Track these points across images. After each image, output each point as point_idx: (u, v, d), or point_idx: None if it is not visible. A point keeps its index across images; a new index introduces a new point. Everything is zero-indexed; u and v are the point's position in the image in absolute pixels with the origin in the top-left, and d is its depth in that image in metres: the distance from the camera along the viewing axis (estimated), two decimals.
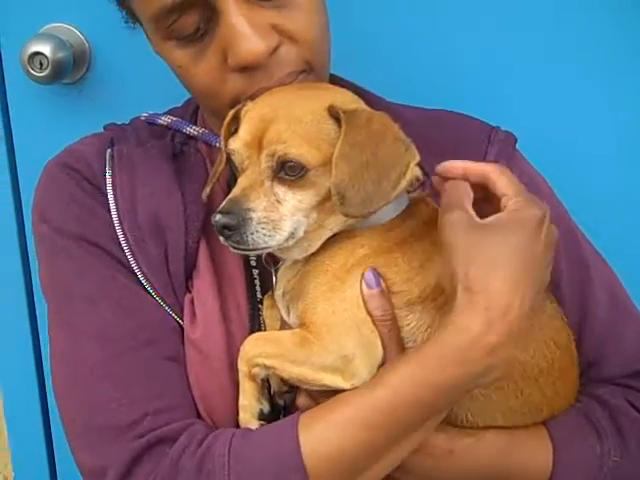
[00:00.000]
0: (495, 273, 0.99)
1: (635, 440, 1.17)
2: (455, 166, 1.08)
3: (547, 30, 1.51)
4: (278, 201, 1.04)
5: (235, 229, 1.01)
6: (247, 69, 1.11)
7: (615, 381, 1.23)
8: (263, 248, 1.04)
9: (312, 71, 1.16)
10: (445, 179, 1.08)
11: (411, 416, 1.02)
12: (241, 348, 1.09)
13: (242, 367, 1.09)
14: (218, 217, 1.02)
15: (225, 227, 1.01)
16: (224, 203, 1.03)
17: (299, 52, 1.13)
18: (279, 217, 1.03)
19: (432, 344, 1.01)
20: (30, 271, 1.73)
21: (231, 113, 1.12)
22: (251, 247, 1.03)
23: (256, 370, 1.07)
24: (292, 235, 1.05)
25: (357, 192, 1.01)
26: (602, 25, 1.50)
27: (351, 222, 1.08)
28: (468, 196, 1.05)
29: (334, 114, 1.04)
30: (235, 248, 1.04)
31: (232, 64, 1.10)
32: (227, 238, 1.03)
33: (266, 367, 1.07)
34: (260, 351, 1.07)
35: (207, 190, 1.16)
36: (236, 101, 1.13)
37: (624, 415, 1.19)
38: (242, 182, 1.05)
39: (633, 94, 1.51)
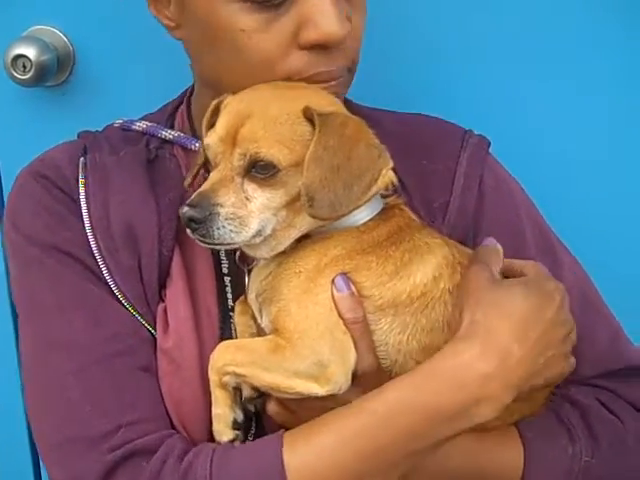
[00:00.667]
0: (502, 320, 1.02)
1: (606, 440, 1.17)
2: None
3: (529, 31, 1.51)
4: (247, 198, 1.04)
5: (201, 222, 1.02)
6: (317, 48, 1.10)
7: (586, 381, 1.24)
8: (229, 243, 1.05)
9: (350, 72, 1.17)
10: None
11: (396, 445, 1.01)
12: (211, 356, 1.08)
13: (213, 376, 1.08)
14: (185, 209, 1.03)
15: (192, 220, 1.02)
16: (193, 196, 1.04)
17: (352, 49, 1.14)
18: (247, 214, 1.04)
19: (423, 368, 1.02)
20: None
21: (213, 104, 1.12)
22: (217, 242, 1.04)
23: (227, 378, 1.07)
24: (259, 233, 1.06)
25: (326, 195, 1.01)
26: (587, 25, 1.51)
27: (321, 223, 1.08)
28: (497, 263, 1.11)
29: (309, 116, 1.04)
30: (201, 242, 1.05)
31: (307, 39, 1.08)
32: (194, 231, 1.04)
33: (237, 375, 1.06)
34: (230, 359, 1.07)
35: (188, 180, 1.17)
36: (289, 79, 1.12)
37: (595, 415, 1.19)
38: (213, 177, 1.06)
39: (608, 92, 1.51)
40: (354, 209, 1.05)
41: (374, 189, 1.05)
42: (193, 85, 1.31)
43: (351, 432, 1.01)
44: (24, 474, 1.83)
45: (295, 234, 1.09)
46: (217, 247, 1.08)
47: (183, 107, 1.31)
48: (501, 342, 1.00)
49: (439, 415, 1.00)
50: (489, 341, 1.00)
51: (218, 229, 1.03)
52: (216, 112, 1.11)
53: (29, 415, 1.15)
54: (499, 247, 1.13)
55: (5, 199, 1.61)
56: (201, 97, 1.22)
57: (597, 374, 1.24)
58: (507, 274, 1.12)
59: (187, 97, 1.31)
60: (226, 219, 1.03)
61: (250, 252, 1.12)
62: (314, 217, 1.04)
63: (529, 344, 1.02)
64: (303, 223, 1.08)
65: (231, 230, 1.03)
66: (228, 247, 1.09)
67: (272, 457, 1.01)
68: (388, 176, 1.10)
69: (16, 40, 1.55)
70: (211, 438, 1.12)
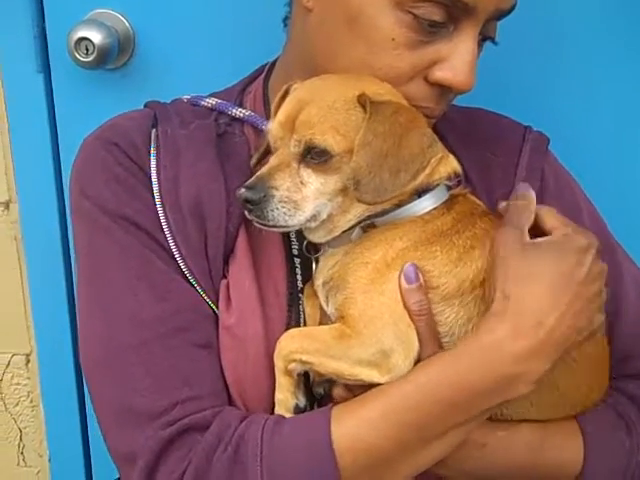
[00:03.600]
0: (533, 288, 1.02)
1: None
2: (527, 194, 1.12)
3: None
4: (302, 183, 1.06)
5: (256, 204, 1.04)
6: (438, 89, 1.13)
7: None
8: (283, 226, 1.07)
9: None
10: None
11: (440, 416, 1.03)
12: (277, 344, 1.10)
13: (278, 363, 1.09)
14: (242, 191, 1.05)
15: (247, 201, 1.04)
16: (251, 179, 1.06)
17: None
18: (301, 198, 1.06)
19: (462, 344, 1.04)
20: (70, 256, 1.76)
21: (283, 89, 1.14)
22: (271, 223, 1.06)
23: (293, 366, 1.08)
24: (314, 217, 1.08)
25: (372, 180, 1.03)
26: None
27: (377, 209, 1.09)
28: (528, 220, 1.10)
29: (363, 103, 1.05)
30: (257, 223, 1.07)
31: (439, 77, 1.11)
32: (249, 212, 1.06)
33: (303, 363, 1.07)
34: (297, 346, 1.08)
35: (254, 160, 1.18)
36: None
37: None
38: (272, 161, 1.08)
39: None
40: (399, 195, 1.06)
41: (422, 177, 1.06)
42: (268, 67, 1.31)
43: (394, 403, 1.03)
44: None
45: (352, 220, 1.10)
46: (272, 229, 1.09)
47: (255, 87, 1.30)
48: (533, 316, 1.01)
49: (475, 391, 1.02)
50: (521, 317, 1.01)
51: (272, 211, 1.04)
52: (286, 96, 1.12)
53: (87, 381, 1.15)
54: (531, 195, 1.13)
55: (63, 180, 1.70)
56: (288, 78, 1.18)
57: None
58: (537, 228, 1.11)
59: (264, 77, 1.30)
60: (280, 202, 1.05)
61: (308, 235, 1.14)
62: (360, 201, 1.06)
63: (561, 309, 1.02)
64: (358, 209, 1.10)
65: (285, 213, 1.05)
66: (283, 229, 1.10)
67: (321, 428, 1.03)
68: (451, 165, 1.11)
69: (79, 23, 1.57)
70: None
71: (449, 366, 1.03)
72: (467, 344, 1.04)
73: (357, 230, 1.11)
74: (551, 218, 1.11)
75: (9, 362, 1.88)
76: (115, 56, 1.60)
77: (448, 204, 1.12)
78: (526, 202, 1.12)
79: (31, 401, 1.92)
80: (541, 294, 1.02)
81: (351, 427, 1.03)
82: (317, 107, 1.06)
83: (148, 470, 1.05)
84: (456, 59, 1.10)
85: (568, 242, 1.08)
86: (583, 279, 1.05)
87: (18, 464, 1.97)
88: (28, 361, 1.88)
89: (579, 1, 1.52)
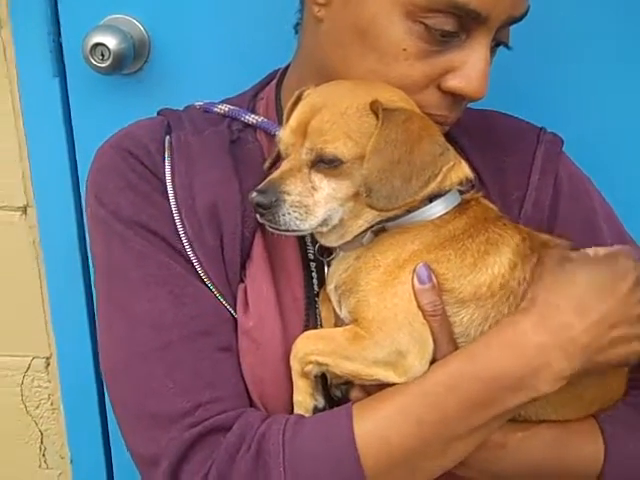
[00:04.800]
0: (562, 293, 1.04)
1: None
2: None
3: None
4: (314, 188, 1.07)
5: (268, 208, 1.05)
6: (451, 97, 1.13)
7: None
8: (294, 230, 1.07)
9: None
10: None
11: (459, 414, 1.03)
12: (293, 346, 1.10)
13: (295, 365, 1.10)
14: (254, 195, 1.06)
15: (259, 205, 1.05)
16: (263, 183, 1.07)
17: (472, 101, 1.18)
18: (312, 203, 1.06)
19: (482, 339, 1.04)
20: (88, 259, 1.76)
21: (295, 94, 1.14)
22: (282, 228, 1.07)
23: (309, 367, 1.09)
24: (325, 222, 1.08)
25: (384, 187, 1.03)
26: None
27: (389, 214, 1.09)
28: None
29: (376, 110, 1.06)
30: (270, 227, 1.08)
31: (452, 85, 1.12)
32: (261, 216, 1.07)
33: (319, 364, 1.08)
34: (312, 348, 1.09)
35: (267, 164, 1.19)
36: None
37: None
38: (284, 166, 1.09)
39: None
40: (410, 202, 1.06)
41: (433, 184, 1.06)
42: (281, 72, 1.32)
43: (414, 400, 1.03)
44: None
45: (363, 225, 1.11)
46: (284, 233, 1.10)
47: (267, 93, 1.31)
48: (560, 314, 1.02)
49: (498, 384, 1.02)
50: (547, 313, 1.02)
51: (284, 215, 1.05)
52: (298, 102, 1.12)
53: (107, 385, 1.16)
54: None
55: (80, 185, 1.71)
56: (301, 85, 1.17)
57: None
58: None
59: (276, 83, 1.30)
60: (291, 206, 1.05)
61: (320, 239, 1.15)
62: (371, 207, 1.06)
63: (591, 319, 1.02)
64: (369, 215, 1.10)
65: (296, 217, 1.06)
66: (295, 234, 1.11)
67: (342, 425, 1.04)
68: (462, 171, 1.11)
69: (95, 29, 1.57)
70: None
71: (470, 360, 1.03)
72: (488, 338, 1.04)
73: (368, 234, 1.12)
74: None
75: (29, 365, 1.90)
76: (130, 61, 1.60)
77: (460, 208, 1.12)
78: None
79: (51, 404, 1.93)
80: (570, 301, 1.03)
81: (372, 423, 1.04)
82: (329, 113, 1.06)
83: (172, 471, 1.06)
84: (469, 68, 1.10)
85: (611, 259, 1.08)
86: (622, 298, 1.05)
87: (40, 466, 1.99)
88: (48, 364, 1.89)
89: (593, 3, 1.51)
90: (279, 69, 1.33)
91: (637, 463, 1.16)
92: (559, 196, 1.28)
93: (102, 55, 1.55)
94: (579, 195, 1.30)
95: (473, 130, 1.24)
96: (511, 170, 1.29)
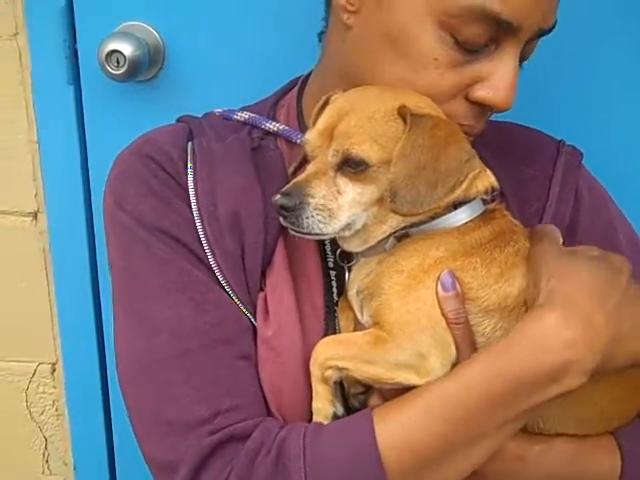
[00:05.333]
0: (579, 287, 1.02)
1: None
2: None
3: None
4: (339, 191, 1.07)
5: (292, 211, 1.05)
6: (478, 107, 1.13)
7: None
8: (317, 234, 1.07)
9: None
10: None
11: (484, 412, 1.02)
12: (312, 352, 1.10)
13: (315, 371, 1.10)
14: (278, 197, 1.06)
15: (283, 208, 1.05)
16: (288, 185, 1.07)
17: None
18: (337, 207, 1.06)
19: (506, 339, 1.04)
20: (97, 266, 1.77)
21: (322, 99, 1.14)
22: (305, 231, 1.06)
23: (329, 373, 1.08)
24: (349, 226, 1.08)
25: (409, 192, 1.03)
26: None
27: (413, 220, 1.09)
28: (558, 239, 1.12)
29: (403, 115, 1.06)
30: (292, 230, 1.08)
31: (479, 96, 1.12)
32: (285, 218, 1.06)
33: (339, 369, 1.08)
34: (333, 353, 1.08)
35: (291, 169, 1.18)
36: None
37: None
38: (309, 169, 1.09)
39: None
40: (435, 208, 1.06)
41: (458, 191, 1.06)
42: (302, 80, 1.31)
43: (438, 400, 1.02)
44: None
45: (387, 230, 1.11)
46: (307, 236, 1.09)
47: (288, 100, 1.30)
48: (582, 309, 1.01)
49: (524, 380, 1.01)
50: (570, 308, 1.01)
51: (307, 218, 1.05)
52: (325, 106, 1.13)
53: (123, 392, 1.15)
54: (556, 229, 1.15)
55: (92, 192, 1.71)
56: (324, 92, 1.17)
57: None
58: None
59: (298, 90, 1.30)
60: (315, 209, 1.05)
61: (342, 244, 1.14)
62: (395, 212, 1.06)
63: (608, 311, 1.02)
64: (394, 220, 1.10)
65: (320, 220, 1.05)
66: (318, 237, 1.11)
67: (363, 428, 1.03)
68: (488, 180, 1.11)
69: (110, 36, 1.57)
70: None
71: (495, 359, 1.02)
72: (513, 336, 1.03)
73: (391, 240, 1.12)
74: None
75: (35, 371, 1.89)
76: (146, 68, 1.61)
77: (484, 218, 1.12)
78: (553, 227, 1.14)
79: (56, 410, 1.93)
80: (588, 294, 1.02)
81: (394, 424, 1.03)
82: (357, 117, 1.06)
83: (190, 478, 1.06)
84: (497, 79, 1.10)
85: (605, 255, 1.09)
86: (624, 291, 1.05)
87: (43, 472, 1.98)
88: (54, 370, 1.89)
89: (612, 15, 1.52)
90: (300, 76, 1.33)
91: None
92: (580, 208, 1.29)
93: (117, 62, 1.56)
94: (599, 209, 1.31)
95: (492, 142, 1.24)
96: (531, 181, 1.29)
